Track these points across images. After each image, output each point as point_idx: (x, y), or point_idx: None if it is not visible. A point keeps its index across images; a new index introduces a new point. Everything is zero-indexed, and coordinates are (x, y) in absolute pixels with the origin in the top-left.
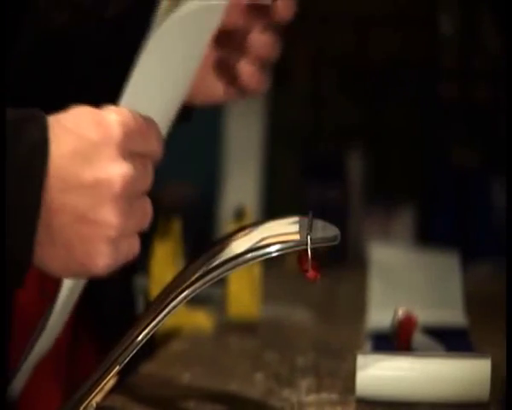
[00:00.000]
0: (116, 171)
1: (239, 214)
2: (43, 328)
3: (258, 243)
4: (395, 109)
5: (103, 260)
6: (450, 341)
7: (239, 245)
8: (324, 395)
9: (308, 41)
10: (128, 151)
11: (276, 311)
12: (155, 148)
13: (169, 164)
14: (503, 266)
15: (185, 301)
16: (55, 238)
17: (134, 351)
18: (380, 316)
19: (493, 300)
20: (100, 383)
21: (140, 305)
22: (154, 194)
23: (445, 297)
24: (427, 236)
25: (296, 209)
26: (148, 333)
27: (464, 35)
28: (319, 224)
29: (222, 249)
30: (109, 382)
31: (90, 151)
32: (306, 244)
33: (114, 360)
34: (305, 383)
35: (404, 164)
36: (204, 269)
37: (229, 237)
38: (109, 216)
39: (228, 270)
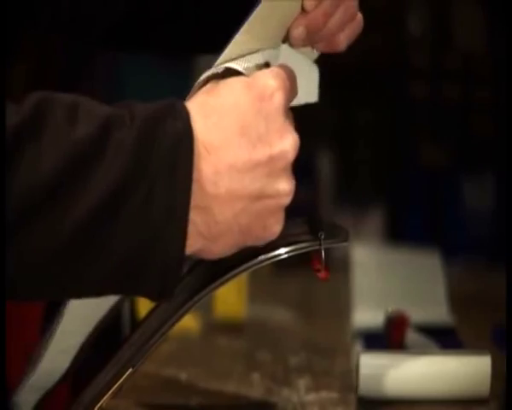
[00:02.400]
0: (288, 142)
1: None
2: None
3: (268, 244)
4: (365, 109)
5: (278, 227)
6: (441, 338)
7: None
8: (324, 394)
9: None
10: (289, 112)
11: (258, 311)
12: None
13: None
14: (475, 264)
15: (198, 302)
16: (227, 228)
17: (148, 353)
18: (366, 315)
19: (469, 298)
20: (112, 386)
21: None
22: None
23: (429, 296)
24: (398, 235)
25: None
26: (161, 335)
27: (434, 34)
28: (327, 224)
29: None
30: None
31: (257, 129)
32: (319, 245)
33: (126, 362)
34: (302, 383)
35: (374, 164)
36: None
37: None
38: (285, 185)
39: (239, 272)
